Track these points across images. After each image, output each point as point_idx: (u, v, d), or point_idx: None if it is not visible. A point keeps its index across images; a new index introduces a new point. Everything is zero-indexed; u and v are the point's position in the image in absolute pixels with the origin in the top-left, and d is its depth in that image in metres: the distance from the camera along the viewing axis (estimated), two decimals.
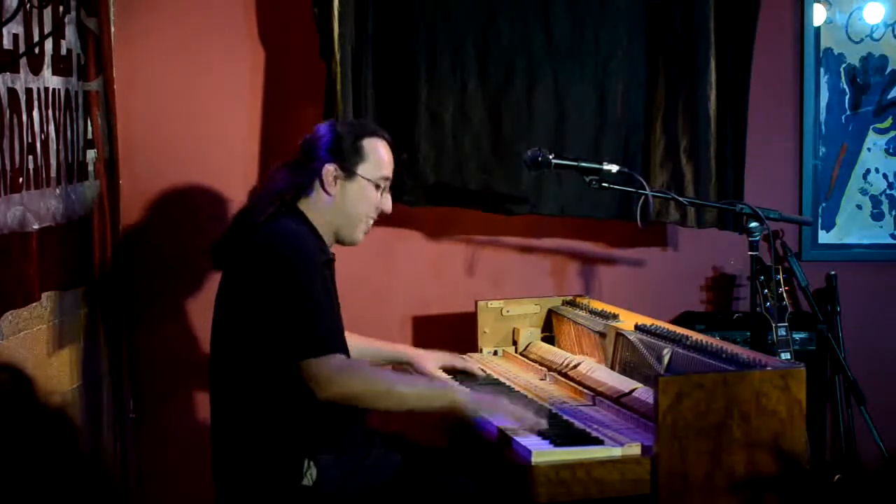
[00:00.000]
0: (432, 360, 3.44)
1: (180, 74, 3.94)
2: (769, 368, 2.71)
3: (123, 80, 3.88)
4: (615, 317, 3.40)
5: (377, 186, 2.99)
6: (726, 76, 3.96)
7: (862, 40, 4.18)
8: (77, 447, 1.07)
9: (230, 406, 2.88)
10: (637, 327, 3.23)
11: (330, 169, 2.94)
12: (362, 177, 2.96)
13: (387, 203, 3.03)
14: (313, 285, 2.78)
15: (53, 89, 3.28)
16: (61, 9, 3.22)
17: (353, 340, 3.11)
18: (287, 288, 2.76)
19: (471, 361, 3.53)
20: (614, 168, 3.46)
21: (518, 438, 2.71)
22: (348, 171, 2.95)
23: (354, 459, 2.84)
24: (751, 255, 3.39)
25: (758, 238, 3.40)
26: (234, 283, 2.89)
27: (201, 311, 3.91)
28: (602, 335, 3.36)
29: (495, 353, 3.76)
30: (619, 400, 2.95)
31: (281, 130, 3.97)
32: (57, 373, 3.34)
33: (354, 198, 2.96)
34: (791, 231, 4.11)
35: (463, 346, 3.74)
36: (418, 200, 3.89)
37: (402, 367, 3.47)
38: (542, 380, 3.36)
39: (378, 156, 3.00)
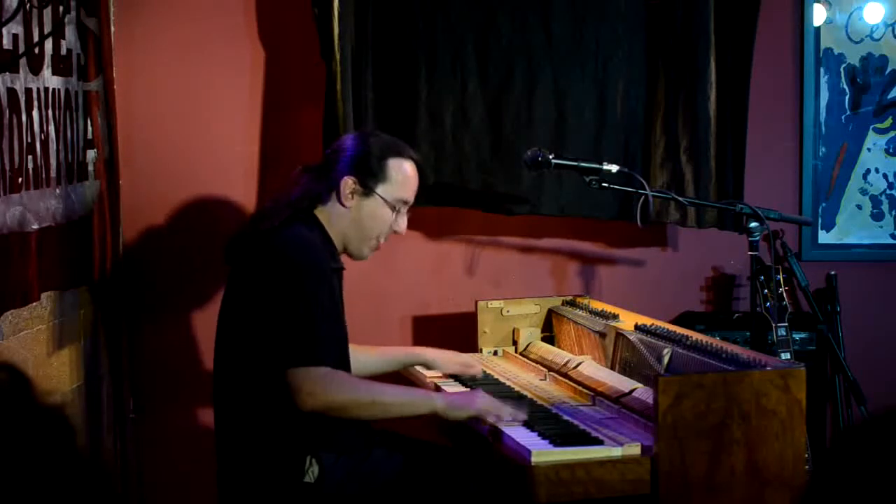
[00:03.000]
0: (444, 365, 3.41)
1: (180, 74, 3.94)
2: (769, 368, 2.71)
3: (123, 80, 3.88)
4: (615, 317, 3.40)
5: (393, 208, 2.99)
6: (726, 76, 3.95)
7: (862, 40, 4.18)
8: (76, 447, 1.07)
9: (233, 404, 2.89)
10: (637, 327, 3.23)
11: (348, 182, 2.94)
12: (380, 196, 2.96)
13: (401, 225, 3.03)
14: (315, 294, 2.79)
15: (53, 89, 3.28)
16: (61, 9, 3.22)
17: (365, 353, 3.14)
18: (286, 294, 2.77)
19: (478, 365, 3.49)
20: (614, 168, 3.46)
21: (518, 439, 2.71)
22: (367, 188, 2.95)
23: (356, 458, 2.85)
24: (751, 255, 3.39)
25: (758, 238, 3.40)
26: (241, 284, 2.90)
27: (201, 310, 3.91)
28: (602, 335, 3.36)
29: (495, 353, 3.76)
30: (619, 400, 2.95)
31: (281, 131, 3.97)
32: (57, 373, 3.34)
33: (368, 215, 2.97)
34: (791, 231, 4.11)
35: (463, 345, 3.74)
36: (418, 200, 3.87)
37: (415, 369, 3.47)
38: (542, 380, 3.36)
39: (401, 178, 2.99)
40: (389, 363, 3.37)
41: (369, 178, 2.95)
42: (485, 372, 3.48)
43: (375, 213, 2.97)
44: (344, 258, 3.05)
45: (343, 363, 2.93)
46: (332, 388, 2.75)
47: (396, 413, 2.86)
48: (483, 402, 2.85)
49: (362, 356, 3.22)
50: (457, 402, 2.87)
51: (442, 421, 2.92)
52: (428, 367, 3.44)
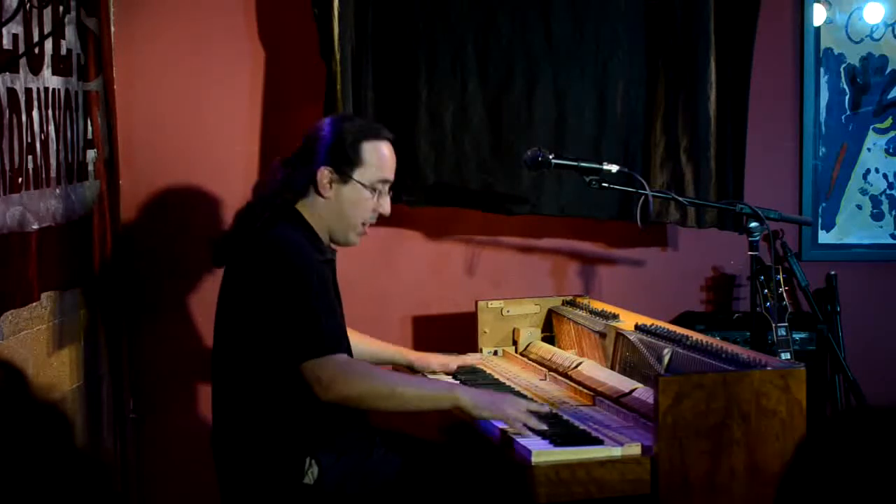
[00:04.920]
0: (434, 364, 3.44)
1: (180, 74, 3.94)
2: (769, 368, 2.71)
3: (123, 80, 3.87)
4: (615, 317, 3.40)
5: (373, 190, 2.98)
6: (726, 76, 3.95)
7: (862, 40, 4.18)
8: (75, 447, 1.07)
9: (232, 405, 2.89)
10: (637, 327, 3.23)
11: (325, 172, 2.93)
12: (357, 181, 2.95)
13: (385, 206, 3.02)
14: (312, 288, 2.78)
15: (53, 89, 3.28)
16: (61, 9, 3.22)
17: (354, 338, 3.12)
18: (286, 292, 2.76)
19: (469, 357, 3.53)
20: (614, 168, 3.46)
21: (518, 439, 2.71)
22: (344, 175, 2.94)
23: (355, 458, 2.85)
24: (751, 255, 3.39)
25: (758, 238, 3.40)
26: (234, 287, 2.90)
27: (201, 310, 3.91)
28: (602, 335, 3.35)
29: (495, 353, 3.76)
30: (619, 400, 2.95)
31: (281, 130, 3.97)
32: (57, 373, 3.34)
33: (348, 201, 2.95)
34: (791, 231, 4.11)
35: (463, 346, 3.74)
36: (418, 200, 3.89)
37: (402, 369, 3.48)
38: (542, 380, 3.36)
39: (377, 159, 2.97)
40: (375, 356, 3.37)
41: (344, 164, 2.93)
42: (485, 372, 3.48)
43: (355, 198, 2.95)
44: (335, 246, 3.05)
45: (349, 352, 2.92)
46: (352, 378, 2.73)
47: (416, 406, 2.81)
48: (513, 411, 2.79)
49: (353, 340, 3.22)
50: (485, 402, 2.82)
51: (445, 420, 2.90)
52: (411, 368, 3.44)
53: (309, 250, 2.88)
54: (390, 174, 3.02)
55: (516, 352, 3.73)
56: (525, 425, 2.77)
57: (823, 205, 4.22)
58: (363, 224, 3.01)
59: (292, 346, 2.73)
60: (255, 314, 2.80)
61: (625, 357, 3.21)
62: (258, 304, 2.79)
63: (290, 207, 2.94)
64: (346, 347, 2.85)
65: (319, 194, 2.94)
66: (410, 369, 3.45)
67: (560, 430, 2.77)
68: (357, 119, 3.11)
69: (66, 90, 3.40)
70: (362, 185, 2.95)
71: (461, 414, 2.85)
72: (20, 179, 3.01)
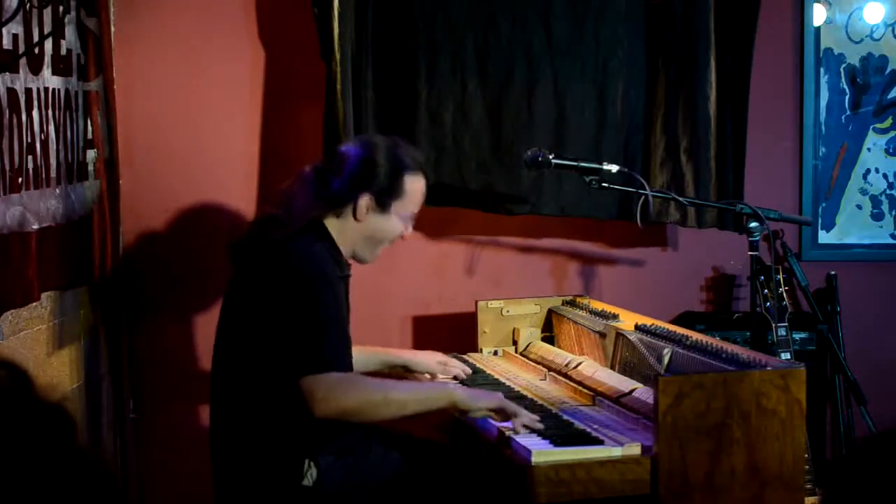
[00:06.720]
0: (424, 363, 3.43)
1: (180, 74, 3.94)
2: (769, 368, 2.71)
3: (123, 80, 3.87)
4: (615, 317, 3.40)
5: (405, 220, 3.02)
6: (726, 76, 3.96)
7: (862, 40, 4.18)
8: (76, 447, 1.07)
9: (231, 406, 2.89)
10: (637, 327, 3.23)
11: (366, 200, 2.94)
12: (396, 213, 2.98)
13: (409, 231, 3.07)
14: (323, 303, 2.78)
15: (53, 89, 3.28)
16: (61, 9, 3.22)
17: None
18: (296, 304, 2.77)
19: (459, 364, 3.48)
20: (614, 168, 3.46)
21: (518, 439, 2.71)
22: (383, 206, 2.96)
23: (354, 459, 2.85)
24: (751, 255, 3.39)
25: (758, 238, 3.40)
26: (247, 291, 2.89)
27: (201, 310, 3.91)
28: (602, 335, 3.36)
29: (495, 353, 3.76)
30: (619, 400, 2.96)
31: (281, 130, 3.97)
32: (57, 373, 3.34)
33: (382, 229, 2.99)
34: (791, 231, 4.11)
35: (463, 345, 3.74)
36: None
37: (398, 370, 3.47)
38: (542, 380, 3.36)
39: (414, 194, 3.01)
40: (369, 362, 3.36)
41: (386, 196, 2.96)
42: (485, 372, 3.48)
43: (389, 227, 3.00)
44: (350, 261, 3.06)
45: (349, 369, 2.92)
46: (346, 392, 2.74)
47: (413, 409, 2.82)
48: (504, 404, 2.82)
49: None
50: (479, 394, 2.87)
51: (444, 419, 2.91)
52: (407, 368, 3.42)
53: (328, 265, 2.88)
54: (420, 205, 3.07)
55: (516, 352, 3.73)
56: (518, 417, 2.78)
57: (823, 205, 4.22)
58: (386, 245, 3.05)
59: (292, 360, 2.74)
60: (263, 321, 2.80)
61: (625, 357, 3.21)
62: (268, 312, 2.79)
63: (318, 221, 2.94)
64: (346, 364, 2.85)
65: (356, 218, 2.95)
66: (406, 369, 3.44)
67: (560, 430, 2.77)
68: (397, 145, 3.06)
69: (66, 90, 3.40)
70: (399, 216, 2.99)
71: (457, 411, 2.86)
72: (20, 179, 3.01)
